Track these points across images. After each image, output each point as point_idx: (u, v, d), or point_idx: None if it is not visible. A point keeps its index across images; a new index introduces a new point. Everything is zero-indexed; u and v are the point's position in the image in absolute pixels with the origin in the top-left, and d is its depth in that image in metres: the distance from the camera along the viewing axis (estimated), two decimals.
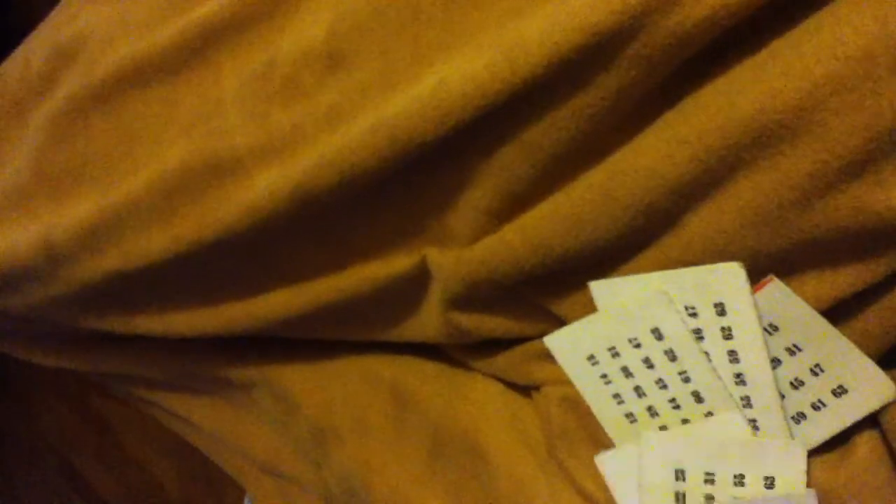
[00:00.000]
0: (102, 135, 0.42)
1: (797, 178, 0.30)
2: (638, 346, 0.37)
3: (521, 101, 0.32)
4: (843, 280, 0.32)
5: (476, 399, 0.46)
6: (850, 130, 0.28)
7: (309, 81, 0.37)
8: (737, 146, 0.30)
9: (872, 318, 0.33)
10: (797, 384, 0.35)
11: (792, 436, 0.35)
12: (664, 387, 0.37)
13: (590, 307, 0.38)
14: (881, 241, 0.30)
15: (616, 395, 0.39)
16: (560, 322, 0.39)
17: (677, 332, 0.36)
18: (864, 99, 0.28)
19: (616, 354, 0.38)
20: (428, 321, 0.44)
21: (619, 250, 0.36)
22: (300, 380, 0.49)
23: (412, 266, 0.41)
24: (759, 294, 0.34)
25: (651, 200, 0.33)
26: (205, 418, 0.56)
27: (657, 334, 0.36)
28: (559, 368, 0.40)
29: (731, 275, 0.33)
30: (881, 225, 0.29)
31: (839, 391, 0.34)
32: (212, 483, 0.95)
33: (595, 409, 0.40)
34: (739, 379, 0.35)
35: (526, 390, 0.46)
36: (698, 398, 0.36)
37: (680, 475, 0.36)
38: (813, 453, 0.36)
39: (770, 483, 0.34)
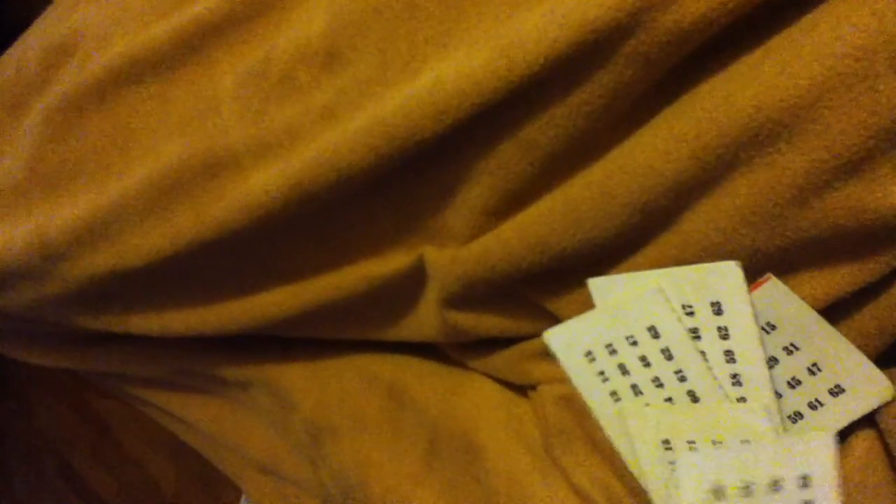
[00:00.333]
0: (98, 132, 0.42)
1: (794, 176, 0.30)
2: (635, 343, 0.37)
3: (519, 98, 0.32)
4: (841, 279, 0.32)
5: (473, 397, 0.46)
6: (847, 128, 0.28)
7: (305, 79, 0.37)
8: (734, 144, 0.30)
9: (869, 317, 0.33)
10: (794, 383, 0.35)
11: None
12: (660, 385, 0.37)
13: (587, 306, 0.38)
14: (878, 239, 0.30)
15: (613, 393, 0.39)
16: (557, 321, 0.39)
17: (673, 330, 0.35)
18: (862, 96, 0.27)
19: (613, 352, 0.38)
20: (425, 320, 0.44)
21: (616, 248, 0.35)
22: (297, 379, 0.49)
23: (409, 264, 0.40)
24: (756, 292, 0.33)
25: (648, 198, 0.33)
26: (201, 417, 0.55)
27: (653, 332, 0.36)
28: (556, 367, 0.40)
29: (728, 274, 0.33)
30: (879, 223, 0.29)
31: (836, 391, 0.34)
32: (209, 483, 0.95)
33: (592, 406, 0.39)
34: (736, 379, 0.35)
35: (522, 389, 0.46)
36: (694, 398, 0.36)
37: (720, 493, 0.36)
38: None
39: (805, 482, 0.34)
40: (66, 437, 1.04)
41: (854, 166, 0.29)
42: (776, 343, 0.34)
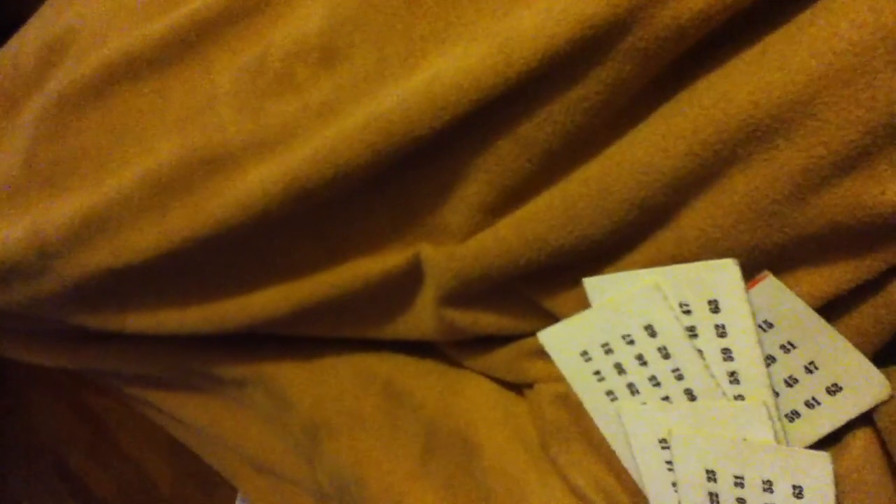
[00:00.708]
0: (94, 129, 0.42)
1: (792, 173, 0.30)
2: (631, 342, 0.37)
3: (516, 94, 0.32)
4: (838, 276, 0.32)
5: (470, 396, 0.46)
6: (845, 124, 0.28)
7: (302, 75, 0.37)
8: (732, 140, 0.30)
9: (867, 315, 0.33)
10: (791, 382, 0.35)
11: (785, 434, 0.35)
12: (657, 384, 0.37)
13: (584, 303, 0.38)
14: (876, 236, 0.30)
15: (609, 392, 0.38)
16: (554, 319, 0.39)
17: (670, 328, 0.35)
18: (860, 92, 0.27)
19: (609, 351, 0.37)
20: (422, 318, 0.43)
21: (613, 245, 0.35)
22: (293, 377, 0.49)
23: (406, 262, 0.40)
24: (753, 290, 0.33)
25: (646, 195, 0.33)
26: (197, 416, 0.55)
27: (650, 331, 0.36)
28: (552, 366, 0.40)
29: (725, 271, 0.33)
30: (876, 220, 0.29)
31: (833, 389, 0.34)
32: (206, 481, 0.95)
33: (588, 406, 0.39)
34: (733, 377, 0.35)
35: (519, 388, 0.46)
36: (691, 396, 0.36)
37: (711, 476, 0.36)
38: None
39: (798, 493, 0.34)
40: (63, 436, 1.04)
41: (851, 163, 0.29)
42: (773, 341, 0.34)
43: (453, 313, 0.42)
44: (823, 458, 0.33)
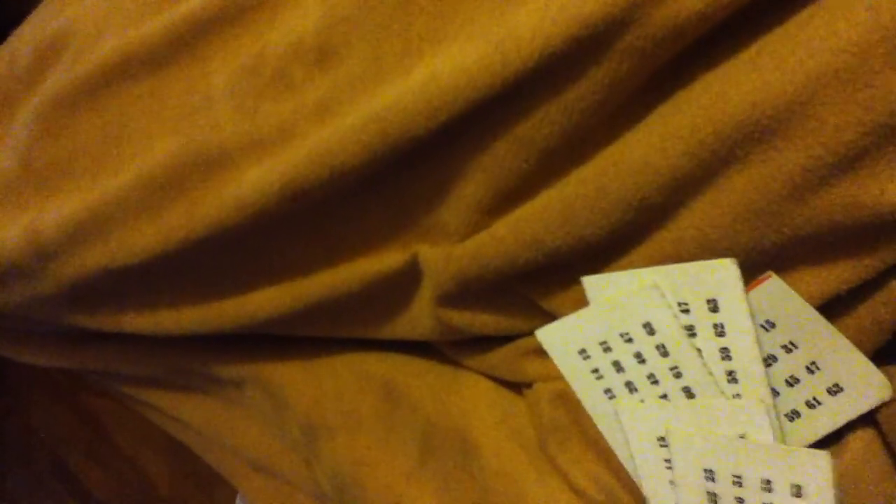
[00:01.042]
0: (90, 129, 0.42)
1: (790, 173, 0.30)
2: (629, 340, 0.37)
3: (513, 94, 0.31)
4: (838, 275, 0.32)
5: (468, 395, 0.46)
6: (843, 124, 0.28)
7: (298, 75, 0.37)
8: (730, 140, 0.30)
9: (866, 314, 0.33)
10: (792, 381, 0.34)
11: (784, 434, 0.35)
12: (655, 382, 0.37)
13: (582, 303, 0.38)
14: (875, 235, 0.30)
15: (607, 391, 0.38)
16: (552, 318, 0.39)
17: (669, 326, 0.35)
18: (858, 92, 0.27)
19: (608, 349, 0.37)
20: (419, 318, 0.43)
21: (611, 245, 0.35)
22: (291, 377, 0.49)
23: (403, 262, 0.40)
24: (756, 290, 0.33)
25: (644, 195, 0.33)
26: (195, 416, 0.55)
27: (649, 329, 0.36)
28: (551, 365, 0.40)
29: (723, 271, 0.33)
30: (875, 219, 0.29)
31: (834, 389, 0.34)
32: (204, 481, 0.95)
33: (586, 404, 0.39)
34: (731, 377, 0.35)
35: (518, 387, 0.46)
36: (689, 394, 0.36)
37: (710, 475, 0.36)
38: None
39: (797, 492, 0.34)
40: (62, 437, 1.04)
41: (850, 162, 0.28)
42: (775, 341, 0.34)
43: (451, 313, 0.42)
44: (823, 457, 0.33)
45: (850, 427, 0.35)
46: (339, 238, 0.40)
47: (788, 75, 0.28)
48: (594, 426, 0.40)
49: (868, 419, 0.35)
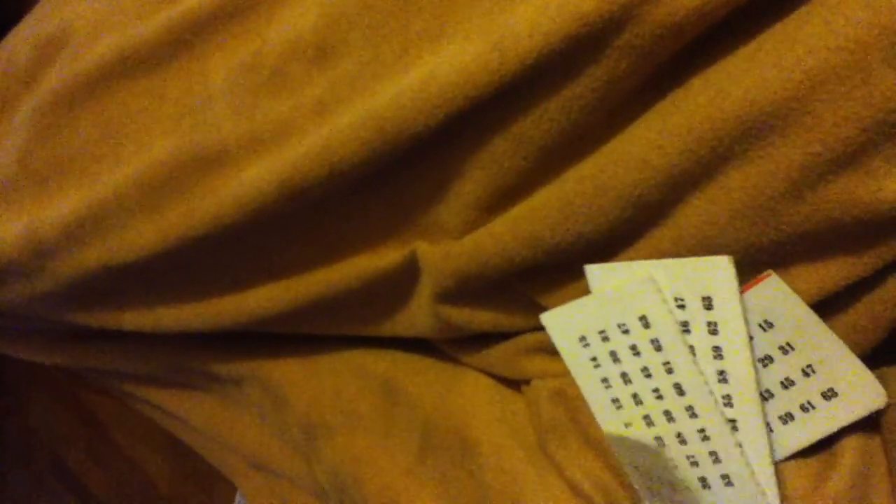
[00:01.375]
0: (89, 127, 0.42)
1: (788, 170, 0.30)
2: (626, 332, 0.37)
3: (511, 92, 0.31)
4: (835, 273, 0.32)
5: (466, 393, 0.46)
6: (841, 121, 0.28)
7: (297, 73, 0.37)
8: (728, 137, 0.30)
9: (863, 312, 0.33)
10: (787, 384, 0.34)
11: (772, 437, 0.35)
12: (648, 375, 0.37)
13: None
14: (872, 233, 0.30)
15: (604, 380, 0.38)
16: None
17: (664, 321, 0.35)
18: (856, 89, 0.27)
19: (606, 338, 0.37)
20: (418, 315, 0.43)
21: (609, 243, 0.35)
22: (290, 375, 0.49)
23: (402, 260, 0.40)
24: (755, 289, 0.33)
25: (642, 192, 0.33)
26: (195, 414, 0.55)
27: (644, 322, 0.36)
28: (550, 362, 0.40)
29: (719, 268, 0.33)
30: (872, 217, 0.29)
31: (829, 394, 0.34)
32: (204, 479, 0.95)
33: (584, 392, 0.39)
34: (722, 377, 0.35)
35: (516, 384, 0.46)
36: (680, 390, 0.36)
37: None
38: (796, 461, 0.35)
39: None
40: (61, 435, 1.04)
41: (847, 159, 0.29)
42: (772, 341, 0.34)
43: (450, 311, 0.42)
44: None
45: (842, 437, 0.35)
46: (338, 236, 0.40)
47: (786, 73, 0.28)
48: (593, 424, 0.40)
49: (863, 427, 0.35)
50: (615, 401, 0.38)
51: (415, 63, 0.34)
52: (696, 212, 0.33)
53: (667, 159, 0.31)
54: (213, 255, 0.41)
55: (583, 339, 0.38)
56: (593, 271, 0.37)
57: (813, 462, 0.35)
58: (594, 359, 0.38)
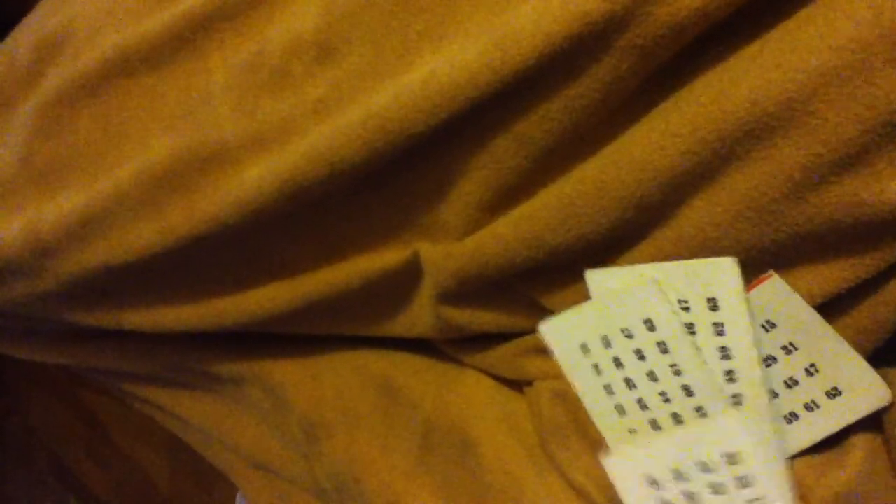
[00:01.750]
0: (90, 126, 0.42)
1: (791, 171, 0.30)
2: (630, 336, 0.36)
3: (513, 92, 0.31)
4: (838, 274, 0.32)
5: (467, 393, 0.46)
6: (844, 122, 0.28)
7: (298, 72, 0.37)
8: (730, 138, 0.30)
9: (866, 313, 0.33)
10: (791, 383, 0.34)
11: (782, 436, 0.35)
12: (654, 379, 0.37)
13: (582, 301, 0.37)
14: (875, 234, 0.30)
15: (607, 386, 0.38)
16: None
17: (669, 323, 0.35)
18: (859, 90, 0.27)
19: (608, 344, 0.37)
20: (419, 316, 0.43)
21: (611, 243, 0.35)
22: (290, 374, 0.49)
23: (403, 260, 0.40)
24: (757, 289, 0.33)
25: (644, 193, 0.33)
26: (195, 414, 0.55)
27: (649, 325, 0.36)
28: (551, 363, 0.40)
29: (724, 270, 0.33)
30: (875, 218, 0.29)
31: (833, 393, 0.34)
32: (204, 479, 0.95)
33: (585, 400, 0.39)
34: (730, 377, 0.35)
35: (518, 385, 0.46)
36: (688, 392, 0.36)
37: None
38: (805, 457, 0.35)
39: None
40: (61, 435, 1.04)
41: (851, 161, 0.28)
42: (775, 341, 0.34)
43: (451, 311, 0.42)
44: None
45: (851, 433, 0.35)
46: (340, 236, 0.40)
47: (789, 73, 0.28)
48: (594, 425, 0.40)
49: (868, 425, 0.35)
50: (619, 407, 0.38)
51: (416, 62, 0.34)
52: (697, 213, 0.33)
53: (669, 160, 0.31)
54: (213, 254, 0.41)
55: (583, 346, 0.38)
56: (594, 276, 0.37)
57: (820, 459, 0.35)
58: (596, 366, 0.38)
